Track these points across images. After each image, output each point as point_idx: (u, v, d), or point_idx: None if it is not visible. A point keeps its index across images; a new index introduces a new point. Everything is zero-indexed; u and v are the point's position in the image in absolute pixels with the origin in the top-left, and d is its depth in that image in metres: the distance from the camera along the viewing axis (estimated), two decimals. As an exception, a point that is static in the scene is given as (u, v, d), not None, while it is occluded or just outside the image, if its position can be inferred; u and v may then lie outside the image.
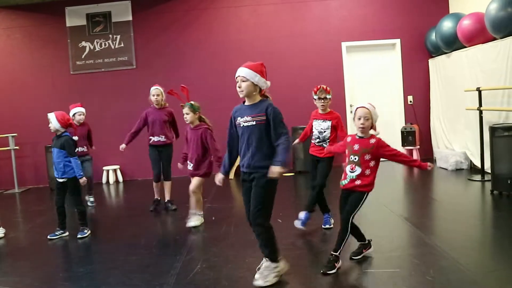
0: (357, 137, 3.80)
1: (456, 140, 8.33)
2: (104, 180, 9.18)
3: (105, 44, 9.29)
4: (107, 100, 9.21)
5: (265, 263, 3.59)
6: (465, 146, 7.98)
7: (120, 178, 9.31)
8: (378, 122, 3.82)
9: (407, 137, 9.03)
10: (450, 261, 3.78)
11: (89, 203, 6.99)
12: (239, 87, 3.53)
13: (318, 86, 4.86)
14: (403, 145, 9.01)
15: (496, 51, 6.86)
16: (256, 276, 3.56)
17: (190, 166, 5.41)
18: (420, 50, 9.26)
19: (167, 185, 6.44)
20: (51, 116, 5.20)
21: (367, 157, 3.71)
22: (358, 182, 3.73)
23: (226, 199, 7.17)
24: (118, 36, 9.28)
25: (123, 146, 6.38)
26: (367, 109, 3.73)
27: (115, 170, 9.23)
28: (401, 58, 9.31)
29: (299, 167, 8.78)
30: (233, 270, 3.84)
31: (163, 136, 6.30)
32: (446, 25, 8.17)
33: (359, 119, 3.73)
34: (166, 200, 6.44)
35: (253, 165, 3.51)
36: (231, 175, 8.72)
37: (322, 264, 3.77)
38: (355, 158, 3.74)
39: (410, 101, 9.26)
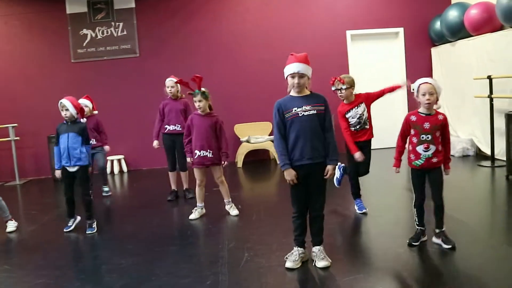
0: (423, 115, 3.80)
1: (461, 127, 8.47)
2: (108, 170, 9.03)
3: (107, 32, 9.10)
4: (110, 89, 9.03)
5: (317, 247, 3.72)
6: (471, 133, 8.12)
7: (125, 168, 9.19)
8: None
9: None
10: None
11: (104, 193, 6.95)
12: (297, 83, 3.55)
13: (333, 78, 4.87)
14: (408, 132, 9.11)
15: (506, 40, 6.98)
16: (317, 261, 3.67)
17: (203, 154, 5.17)
18: (423, 39, 9.38)
19: (184, 175, 6.39)
20: (67, 103, 4.99)
21: (438, 133, 3.77)
22: (434, 159, 3.80)
23: (241, 188, 7.20)
24: (121, 24, 9.09)
25: (155, 143, 6.34)
26: (431, 84, 3.75)
27: (119, 160, 9.10)
28: (404, 47, 9.40)
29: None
30: (282, 257, 3.81)
31: (179, 125, 6.22)
32: (452, 14, 8.27)
33: (424, 95, 3.74)
34: (184, 188, 6.43)
35: (316, 155, 3.59)
36: (240, 164, 8.71)
37: (410, 237, 4.00)
38: (427, 137, 3.76)
39: (413, 89, 9.32)
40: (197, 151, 5.19)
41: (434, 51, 9.32)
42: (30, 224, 5.70)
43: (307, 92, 3.66)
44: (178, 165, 6.33)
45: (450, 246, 3.80)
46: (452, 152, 8.16)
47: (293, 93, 3.66)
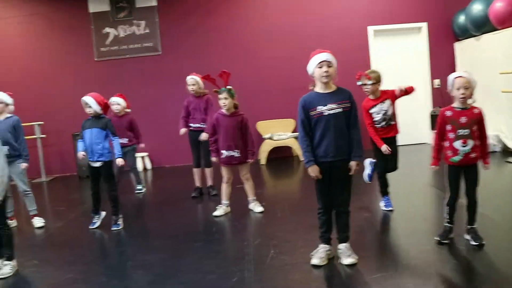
0: (458, 109, 3.74)
1: (487, 123, 8.32)
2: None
3: (129, 30, 9.16)
4: (132, 87, 9.06)
5: (343, 245, 3.71)
6: (497, 128, 7.98)
7: (148, 166, 9.26)
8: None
9: (436, 120, 9.05)
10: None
11: (136, 191, 7.02)
12: (326, 72, 3.50)
13: (360, 73, 4.83)
14: (432, 128, 9.01)
15: (533, 34, 6.86)
16: (343, 258, 3.65)
17: (230, 154, 5.20)
18: (447, 34, 9.24)
19: (209, 171, 6.41)
20: (90, 100, 5.03)
21: (475, 128, 3.70)
22: (473, 155, 3.72)
23: (265, 185, 7.19)
24: (143, 22, 9.15)
25: (182, 130, 6.34)
26: (466, 78, 3.68)
27: (143, 158, 9.16)
28: (427, 42, 9.29)
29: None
30: (308, 254, 3.80)
31: (203, 123, 6.24)
32: (476, 7, 8.13)
33: (458, 89, 3.67)
34: (208, 185, 6.45)
35: (341, 153, 3.57)
36: (263, 161, 8.70)
37: (438, 233, 3.95)
38: (465, 132, 3.68)
39: (438, 85, 9.25)
40: (224, 151, 5.21)
41: (458, 46, 9.18)
42: (57, 220, 5.79)
43: (333, 88, 3.61)
44: (203, 161, 6.36)
45: (477, 243, 3.75)
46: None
47: (318, 88, 3.61)
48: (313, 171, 3.59)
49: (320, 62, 3.52)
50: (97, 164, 5.10)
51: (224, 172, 5.35)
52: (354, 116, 3.60)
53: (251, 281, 3.48)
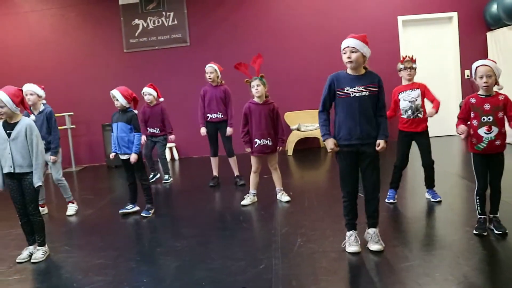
0: (482, 96, 3.69)
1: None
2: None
3: (158, 22, 9.25)
4: (161, 78, 9.13)
5: (372, 229, 3.71)
6: (530, 120, 7.81)
7: (176, 156, 9.36)
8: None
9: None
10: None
11: (163, 181, 7.07)
12: (348, 58, 3.52)
13: (404, 56, 4.80)
14: (462, 120, 8.86)
15: None
16: (371, 244, 3.66)
17: (264, 142, 5.19)
18: (478, 23, 9.05)
19: (232, 161, 6.44)
20: (116, 93, 5.09)
21: (500, 114, 3.64)
22: (497, 142, 3.67)
23: (292, 175, 7.19)
24: (172, 13, 9.22)
25: (203, 130, 6.37)
26: (489, 66, 3.62)
27: (170, 148, 9.26)
28: (458, 32, 9.12)
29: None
30: (336, 243, 3.82)
31: (220, 113, 6.27)
32: (510, -4, 7.95)
33: (481, 77, 3.63)
34: (235, 175, 6.47)
35: (367, 136, 3.57)
36: (290, 152, 8.70)
37: (474, 226, 3.88)
38: (489, 119, 3.64)
39: (467, 76, 9.08)
40: (257, 140, 5.22)
41: (490, 35, 8.98)
42: (87, 208, 5.89)
43: (363, 71, 3.61)
44: (226, 152, 6.39)
45: (501, 232, 3.72)
46: (509, 140, 7.87)
47: (348, 70, 3.62)
48: (329, 144, 3.62)
49: (344, 48, 3.55)
50: (124, 157, 5.18)
51: (254, 161, 5.35)
52: (382, 101, 3.59)
53: (278, 268, 3.49)
